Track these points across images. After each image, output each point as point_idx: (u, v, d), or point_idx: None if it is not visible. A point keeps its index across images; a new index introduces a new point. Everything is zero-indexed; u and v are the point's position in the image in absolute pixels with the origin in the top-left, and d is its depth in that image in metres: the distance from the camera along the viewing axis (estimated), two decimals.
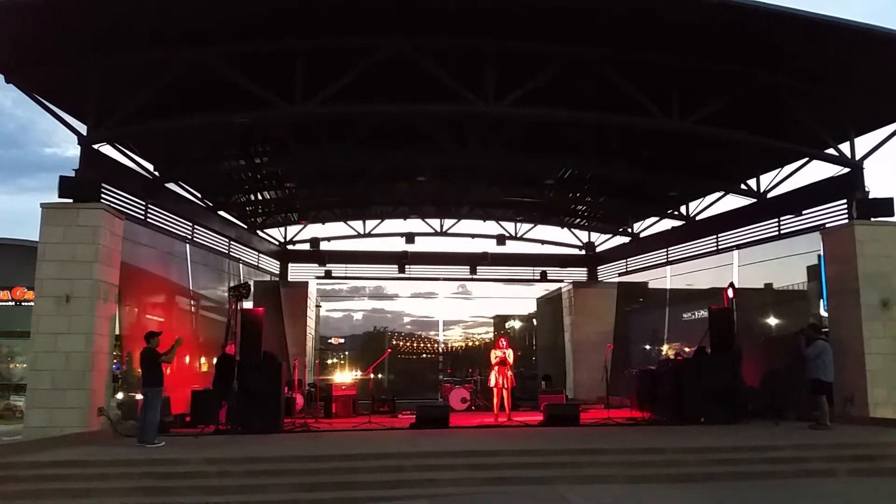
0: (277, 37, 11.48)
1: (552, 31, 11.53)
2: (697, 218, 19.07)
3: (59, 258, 11.73)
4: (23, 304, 26.40)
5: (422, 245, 22.71)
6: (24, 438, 11.21)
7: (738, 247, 17.15)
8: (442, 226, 22.94)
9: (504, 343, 15.31)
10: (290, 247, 23.26)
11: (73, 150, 12.46)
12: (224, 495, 8.68)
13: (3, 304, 27.80)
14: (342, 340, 28.55)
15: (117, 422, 12.24)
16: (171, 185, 15.93)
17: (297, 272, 23.14)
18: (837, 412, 12.68)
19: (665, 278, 20.43)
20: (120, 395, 13.39)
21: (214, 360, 14.78)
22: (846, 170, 13.71)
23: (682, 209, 19.55)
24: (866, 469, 9.65)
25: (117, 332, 12.81)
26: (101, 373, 11.82)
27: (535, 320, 27.56)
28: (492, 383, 14.94)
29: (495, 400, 15.00)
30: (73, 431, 11.10)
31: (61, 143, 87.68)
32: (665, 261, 20.25)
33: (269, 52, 11.79)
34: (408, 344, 28.46)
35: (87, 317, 11.63)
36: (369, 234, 23.11)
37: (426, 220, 22.67)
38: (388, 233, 23.05)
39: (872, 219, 13.17)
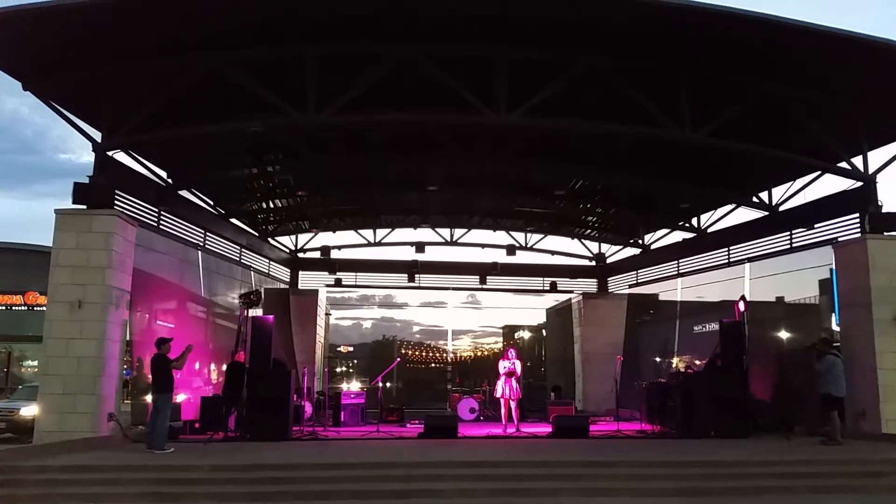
0: (290, 45, 11.57)
1: (564, 40, 11.57)
2: (709, 230, 19.01)
3: (73, 264, 11.83)
4: (35, 308, 26.64)
5: (432, 254, 22.77)
6: (35, 443, 11.27)
7: (750, 260, 17.06)
8: (452, 235, 22.96)
9: (513, 353, 15.28)
10: (300, 255, 23.34)
11: (88, 157, 12.71)
12: (232, 502, 8.71)
13: (16, 308, 28.05)
14: (351, 349, 28.58)
15: (127, 427, 12.30)
16: (184, 192, 16.04)
17: (307, 280, 23.22)
18: (849, 428, 12.59)
19: (676, 290, 20.34)
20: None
21: (224, 367, 14.83)
22: (859, 183, 13.64)
23: (694, 221, 19.49)
24: (877, 486, 9.55)
25: (128, 337, 12.89)
26: (112, 378, 11.89)
27: (544, 331, 27.50)
28: (500, 394, 14.91)
29: (503, 411, 14.97)
30: (84, 436, 11.16)
31: (76, 149, 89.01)
32: (676, 273, 20.18)
33: (281, 60, 11.87)
34: (417, 353, 28.45)
35: (99, 322, 11.71)
36: (379, 243, 23.15)
37: (436, 229, 22.69)
38: (399, 242, 23.11)
39: (885, 233, 13.10)
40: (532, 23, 11.22)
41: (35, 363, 26.03)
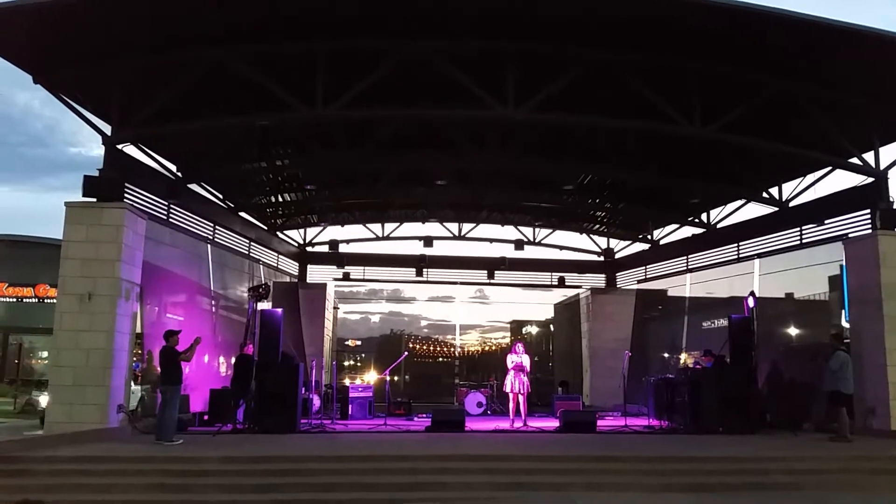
0: (299, 39, 11.56)
1: (574, 35, 11.53)
2: (718, 226, 18.94)
3: (83, 256, 11.87)
4: (45, 301, 26.79)
5: (440, 249, 22.75)
6: (45, 433, 11.36)
7: (760, 255, 17.00)
8: (460, 230, 22.95)
9: (520, 348, 15.26)
10: (309, 248, 23.38)
11: (98, 150, 12.66)
12: (241, 494, 8.76)
13: (27, 300, 28.22)
14: (359, 342, 28.67)
15: (136, 419, 12.38)
16: (193, 186, 16.08)
17: (315, 274, 23.27)
18: (859, 424, 12.53)
19: (684, 286, 20.29)
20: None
21: (233, 360, 14.89)
22: (870, 179, 13.55)
23: (703, 217, 19.42)
24: (886, 483, 9.51)
25: (138, 330, 12.96)
26: (122, 370, 11.94)
27: (552, 326, 27.48)
28: (508, 388, 14.91)
29: (511, 405, 14.97)
30: (93, 428, 11.23)
31: (86, 142, 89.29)
32: (685, 268, 20.12)
33: (290, 54, 11.88)
34: (424, 347, 28.55)
35: (109, 315, 11.75)
36: (388, 237, 23.17)
37: (444, 223, 22.69)
38: (407, 236, 23.10)
39: None
40: (542, 19, 11.17)
41: (46, 355, 26.19)
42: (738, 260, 17.76)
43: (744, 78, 12.17)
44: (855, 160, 13.48)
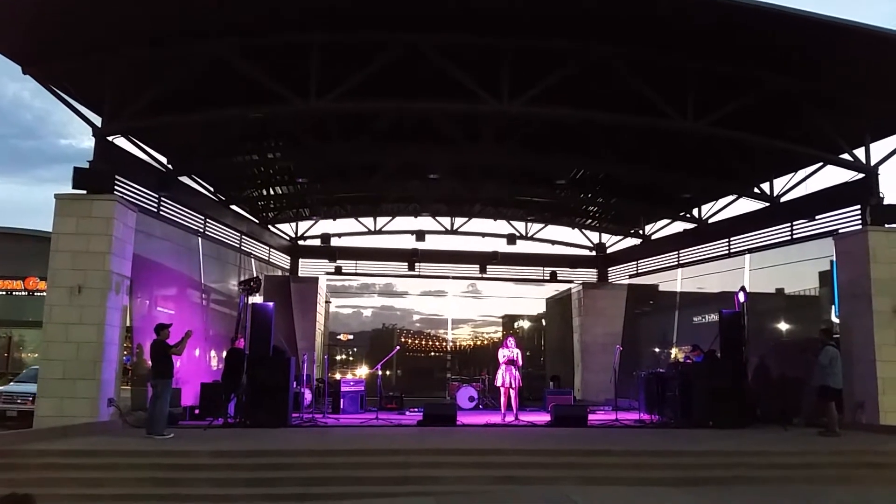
0: (293, 31, 11.50)
1: (569, 30, 11.50)
2: (710, 221, 18.98)
3: (73, 249, 11.81)
4: (35, 294, 26.65)
5: (432, 243, 22.71)
6: (35, 427, 11.30)
7: (750, 251, 17.05)
8: (453, 224, 22.92)
9: (512, 342, 15.29)
10: (301, 242, 23.33)
11: (88, 142, 12.63)
12: (232, 487, 8.74)
13: (17, 293, 28.05)
14: (351, 337, 28.57)
15: (127, 412, 12.33)
16: (185, 179, 15.99)
17: (307, 268, 23.21)
18: (848, 419, 12.62)
19: (676, 281, 20.34)
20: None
21: (224, 354, 14.85)
22: (861, 175, 13.61)
23: (695, 212, 19.47)
24: (874, 476, 9.59)
25: (128, 323, 12.90)
26: (112, 364, 11.90)
27: (544, 320, 27.52)
28: (499, 382, 14.94)
29: (503, 399, 15.00)
30: (83, 422, 11.18)
31: (77, 134, 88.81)
32: (676, 263, 20.18)
33: (284, 46, 11.82)
34: (416, 342, 28.47)
35: (99, 308, 11.70)
36: (380, 231, 23.12)
37: (437, 217, 22.64)
38: (399, 230, 23.05)
39: (887, 225, 13.08)
40: (537, 13, 11.15)
41: (34, 348, 26.08)
42: (729, 255, 17.81)
43: (737, 73, 12.19)
44: (846, 156, 13.55)
